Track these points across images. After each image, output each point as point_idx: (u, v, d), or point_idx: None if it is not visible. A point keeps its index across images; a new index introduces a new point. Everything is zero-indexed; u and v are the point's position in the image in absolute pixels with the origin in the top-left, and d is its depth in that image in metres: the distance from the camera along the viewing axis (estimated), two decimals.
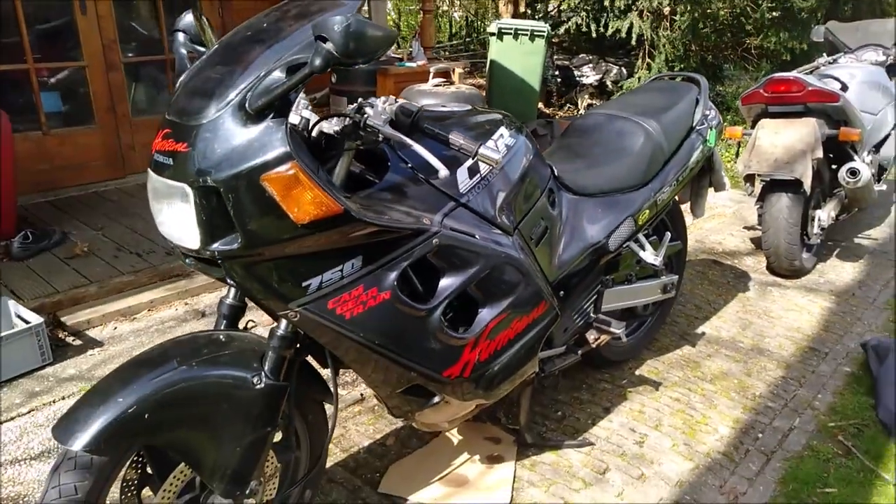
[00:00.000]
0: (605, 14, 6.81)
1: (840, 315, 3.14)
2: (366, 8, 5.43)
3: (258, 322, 1.77)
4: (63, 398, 2.42)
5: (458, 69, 5.08)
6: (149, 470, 1.48)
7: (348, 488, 2.00)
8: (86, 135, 4.40)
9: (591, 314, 2.22)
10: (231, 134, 1.25)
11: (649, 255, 2.31)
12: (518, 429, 2.16)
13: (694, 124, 2.50)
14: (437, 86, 4.62)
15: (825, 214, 3.53)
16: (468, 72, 7.31)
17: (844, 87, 3.51)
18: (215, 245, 1.28)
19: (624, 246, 2.19)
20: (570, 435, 2.26)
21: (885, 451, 2.20)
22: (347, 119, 1.33)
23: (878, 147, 3.85)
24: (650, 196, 2.27)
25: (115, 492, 1.41)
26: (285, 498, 1.69)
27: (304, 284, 1.35)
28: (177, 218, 1.30)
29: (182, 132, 1.28)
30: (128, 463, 1.42)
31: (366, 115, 1.31)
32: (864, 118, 3.53)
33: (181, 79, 1.43)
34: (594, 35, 6.97)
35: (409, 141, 1.34)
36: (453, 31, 10.43)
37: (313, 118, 1.33)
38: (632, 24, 6.48)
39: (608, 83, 7.36)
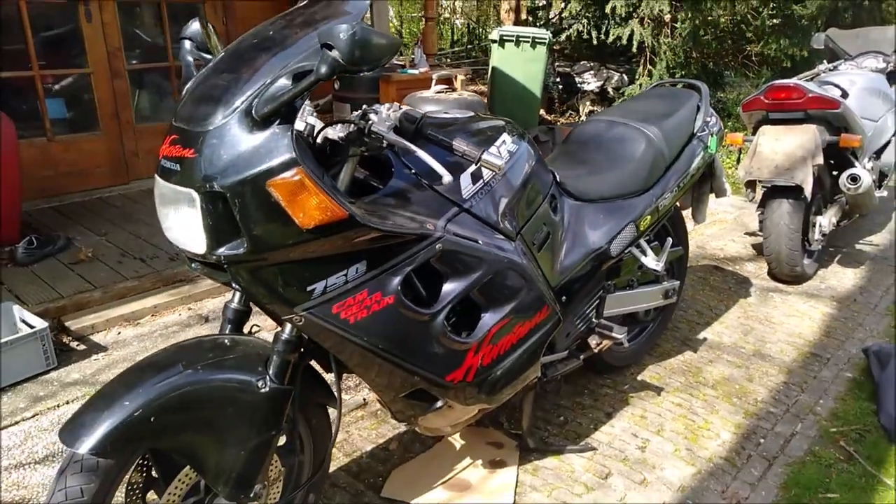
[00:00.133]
0: (606, 21, 6.84)
1: (841, 321, 3.14)
2: (368, 15, 5.46)
3: (263, 326, 1.78)
4: (67, 402, 2.43)
5: (461, 76, 5.09)
6: (154, 473, 1.49)
7: (351, 492, 2.01)
8: (90, 141, 4.43)
9: (593, 319, 2.23)
10: (237, 140, 1.26)
11: (651, 261, 2.32)
12: (520, 433, 2.17)
13: (695, 131, 2.51)
14: (439, 92, 4.64)
15: (826, 220, 3.54)
16: (470, 79, 7.33)
17: (845, 94, 3.53)
18: (221, 250, 1.30)
19: (626, 251, 2.20)
20: (572, 440, 2.27)
21: (886, 457, 2.21)
22: (352, 125, 1.34)
23: (878, 153, 3.86)
24: (652, 202, 2.28)
25: (120, 495, 1.41)
26: (289, 501, 1.70)
27: (308, 289, 1.36)
28: (183, 223, 1.32)
29: (189, 138, 1.30)
30: (133, 466, 1.43)
31: (370, 122, 1.33)
32: (864, 125, 3.55)
33: (188, 86, 1.45)
34: (595, 42, 7.00)
35: (413, 147, 1.35)
36: (455, 38, 10.47)
37: (318, 125, 1.35)
38: (633, 31, 6.51)
39: (609, 90, 7.39)
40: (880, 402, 2.42)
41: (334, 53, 1.17)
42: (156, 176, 1.36)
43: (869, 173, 3.47)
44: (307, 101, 1.33)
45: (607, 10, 6.58)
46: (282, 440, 1.59)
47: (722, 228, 4.39)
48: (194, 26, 1.59)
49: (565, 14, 7.49)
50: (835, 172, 3.54)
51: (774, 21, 6.88)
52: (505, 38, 5.56)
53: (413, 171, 1.52)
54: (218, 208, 1.27)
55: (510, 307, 1.72)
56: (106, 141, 4.49)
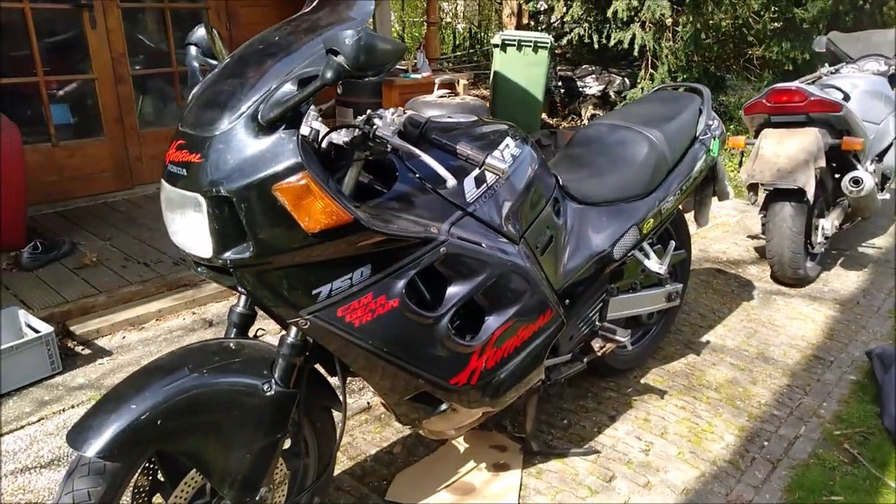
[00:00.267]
0: (608, 25, 6.85)
1: (844, 323, 3.14)
2: (370, 20, 5.47)
3: (268, 330, 1.79)
4: (72, 407, 2.44)
5: (463, 80, 5.11)
6: (160, 476, 1.50)
7: (355, 496, 2.01)
8: (94, 146, 4.45)
9: (597, 322, 2.23)
10: (243, 145, 1.27)
11: (654, 264, 2.33)
12: (524, 437, 2.17)
13: (697, 134, 2.52)
14: (442, 97, 4.66)
15: (829, 223, 3.54)
16: (472, 83, 7.35)
17: (847, 97, 3.53)
18: (227, 254, 1.30)
19: (629, 255, 2.20)
20: (575, 443, 2.27)
21: (890, 459, 2.20)
22: (357, 130, 1.35)
23: (880, 156, 3.87)
24: (654, 205, 2.28)
25: (126, 498, 1.42)
26: None
27: (314, 292, 1.37)
28: (190, 227, 1.33)
29: (195, 143, 1.31)
30: (140, 469, 1.44)
31: (375, 127, 1.34)
32: (866, 128, 3.55)
33: (194, 91, 1.46)
34: (597, 46, 7.01)
35: (417, 151, 1.37)
36: (457, 42, 10.50)
37: (323, 129, 1.36)
38: (634, 35, 6.52)
39: (611, 94, 7.40)
40: (884, 405, 2.42)
41: (340, 59, 1.19)
42: (162, 180, 1.37)
43: (871, 176, 3.48)
44: (312, 106, 1.34)
45: (609, 14, 6.59)
46: (287, 443, 1.60)
47: (724, 231, 4.40)
48: (200, 32, 1.60)
49: (567, 18, 7.49)
50: (837, 175, 3.54)
51: (776, 25, 6.89)
52: (507, 42, 5.58)
53: (417, 175, 1.53)
54: (224, 212, 1.28)
55: (514, 310, 1.72)
56: (110, 146, 4.51)
